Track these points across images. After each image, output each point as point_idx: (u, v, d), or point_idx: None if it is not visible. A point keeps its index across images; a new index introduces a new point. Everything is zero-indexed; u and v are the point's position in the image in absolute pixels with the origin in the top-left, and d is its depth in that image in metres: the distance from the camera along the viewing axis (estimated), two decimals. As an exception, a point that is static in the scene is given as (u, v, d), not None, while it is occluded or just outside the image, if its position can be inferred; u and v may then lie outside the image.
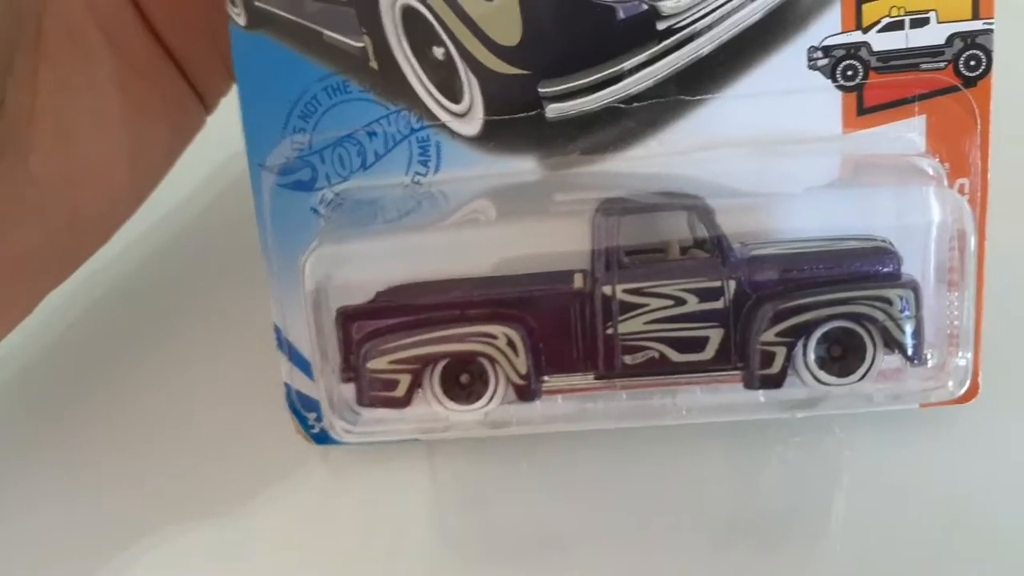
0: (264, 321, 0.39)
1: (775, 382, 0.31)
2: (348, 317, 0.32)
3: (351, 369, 0.32)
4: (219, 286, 0.42)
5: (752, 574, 0.39)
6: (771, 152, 0.37)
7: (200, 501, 0.40)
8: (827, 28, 0.36)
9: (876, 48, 0.36)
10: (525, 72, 0.38)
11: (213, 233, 0.44)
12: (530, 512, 0.39)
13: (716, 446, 0.37)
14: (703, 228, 0.32)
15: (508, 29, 0.37)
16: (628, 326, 0.31)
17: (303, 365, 0.39)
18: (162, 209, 0.42)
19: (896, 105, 0.37)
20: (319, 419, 0.40)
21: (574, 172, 0.38)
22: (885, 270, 0.31)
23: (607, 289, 0.31)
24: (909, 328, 0.30)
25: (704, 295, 0.31)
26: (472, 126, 0.38)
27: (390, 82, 0.38)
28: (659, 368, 0.32)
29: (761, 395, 0.31)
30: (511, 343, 0.32)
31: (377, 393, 0.32)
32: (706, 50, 0.37)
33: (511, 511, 0.39)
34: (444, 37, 0.38)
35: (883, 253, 0.31)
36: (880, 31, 0.36)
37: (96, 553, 0.40)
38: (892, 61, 0.36)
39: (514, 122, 0.38)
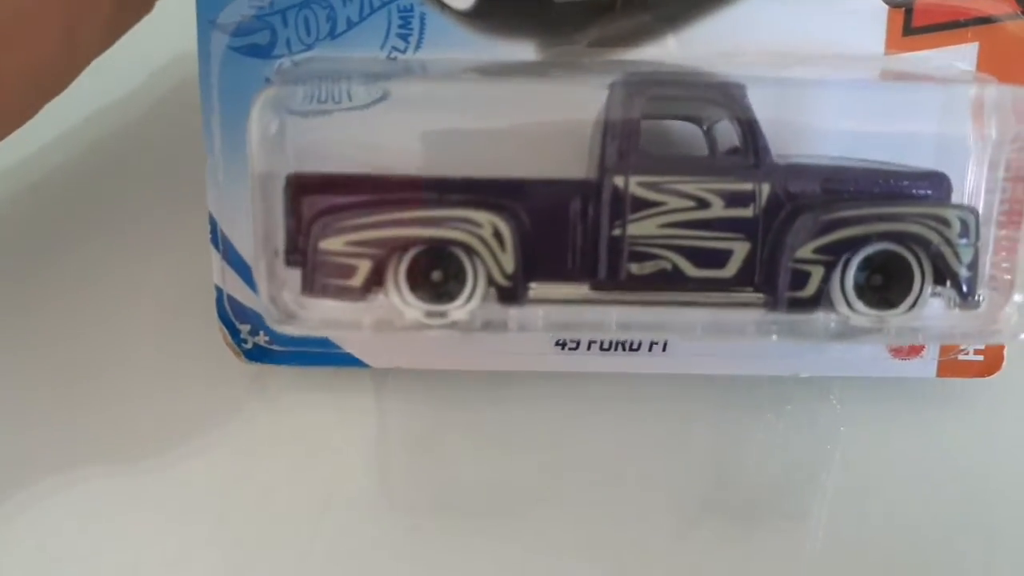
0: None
1: (808, 306, 0.26)
2: (301, 185, 0.26)
3: (299, 250, 0.26)
4: (149, 167, 0.35)
5: (724, 554, 0.34)
6: (800, 67, 0.33)
7: (112, 425, 0.33)
8: (881, -73, 0.32)
9: (934, -41, 0.32)
10: (533, -59, 0.32)
11: (145, 105, 0.37)
12: (483, 462, 0.34)
13: (701, 406, 0.32)
14: (736, 118, 0.27)
15: None
16: (640, 228, 0.26)
17: (240, 266, 0.33)
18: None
19: (948, 28, 0.33)
20: (253, 332, 0.34)
21: (578, 63, 0.33)
22: (938, 194, 0.26)
23: (619, 180, 0.26)
24: (967, 255, 0.26)
25: (732, 199, 0.26)
26: (466, -1, 0.33)
27: (373, -65, 0.33)
28: (669, 282, 0.27)
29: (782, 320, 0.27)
30: (498, 234, 0.26)
31: (330, 280, 0.26)
32: (743, -66, 0.32)
33: (463, 459, 0.34)
34: None
35: (937, 177, 0.27)
36: (942, -60, 0.32)
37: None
38: (950, -24, 0.32)
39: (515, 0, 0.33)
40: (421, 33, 0.33)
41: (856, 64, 0.33)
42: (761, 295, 0.27)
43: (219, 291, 0.34)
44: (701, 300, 0.26)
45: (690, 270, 0.27)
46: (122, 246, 0.36)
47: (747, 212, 0.26)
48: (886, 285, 0.26)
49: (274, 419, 0.35)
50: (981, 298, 0.27)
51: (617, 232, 0.26)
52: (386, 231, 0.26)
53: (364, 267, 0.26)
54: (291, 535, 0.34)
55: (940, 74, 0.31)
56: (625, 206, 0.26)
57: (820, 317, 0.26)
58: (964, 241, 0.26)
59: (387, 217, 0.26)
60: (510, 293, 0.26)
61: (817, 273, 0.26)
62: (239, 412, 0.35)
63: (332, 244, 0.26)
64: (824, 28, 0.33)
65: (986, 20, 0.32)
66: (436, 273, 0.27)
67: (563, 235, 0.27)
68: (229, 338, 0.34)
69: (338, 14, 0.33)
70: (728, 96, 0.27)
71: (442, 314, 0.26)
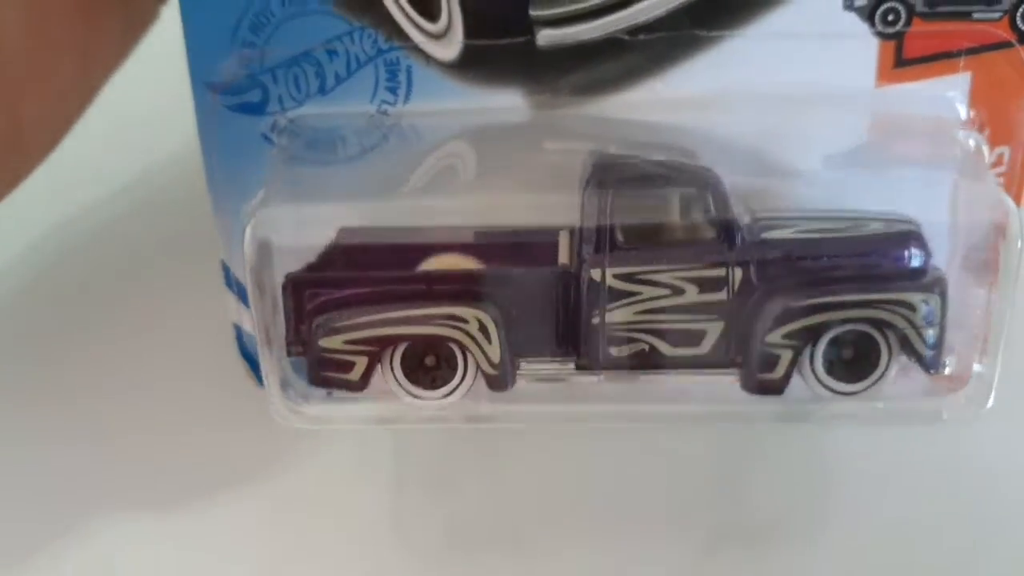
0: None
1: (776, 388, 0.28)
2: (298, 285, 0.28)
3: (300, 343, 0.28)
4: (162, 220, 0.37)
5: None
6: (790, 105, 0.33)
7: (132, 461, 0.36)
8: (874, -41, 0.31)
9: (925, -11, 0.31)
10: (514, -11, 0.32)
11: (155, 161, 0.38)
12: (500, 501, 0.35)
13: (702, 439, 0.33)
14: (711, 205, 0.28)
15: (497, -63, 0.31)
16: (617, 316, 0.28)
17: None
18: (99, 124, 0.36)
19: (939, 59, 0.32)
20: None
21: (566, 113, 0.33)
22: (912, 263, 0.27)
23: (595, 273, 0.27)
24: (931, 336, 0.27)
25: (706, 285, 0.27)
26: (449, 50, 0.33)
27: (354, -9, 0.33)
28: (648, 361, 0.28)
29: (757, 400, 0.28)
30: (483, 328, 0.28)
31: (331, 374, 0.29)
32: (726, -25, 0.32)
33: (479, 499, 0.35)
34: (421, -58, 0.32)
35: (909, 241, 0.28)
36: (932, -31, 0.31)
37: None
38: (940, 7, 0.31)
39: (499, 48, 0.33)
40: (409, 86, 0.34)
41: (846, 100, 0.32)
42: (735, 370, 0.28)
43: (237, 329, 0.36)
44: (678, 374, 0.28)
45: (667, 350, 0.28)
46: (147, 294, 0.38)
47: (720, 296, 0.27)
48: (854, 358, 0.28)
49: (292, 453, 0.36)
50: (946, 365, 0.28)
51: (595, 321, 0.28)
52: (379, 330, 0.28)
53: (361, 363, 0.28)
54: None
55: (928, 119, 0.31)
56: (602, 297, 0.28)
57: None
58: (929, 322, 0.27)
59: (378, 317, 0.28)
60: (498, 381, 0.28)
61: (786, 356, 0.28)
62: (258, 445, 0.37)
63: (331, 343, 0.28)
64: (813, 62, 0.32)
65: (979, 50, 0.32)
66: (429, 358, 0.29)
67: (546, 321, 0.28)
68: (249, 370, 0.37)
69: (326, 70, 0.34)
70: (703, 190, 0.28)
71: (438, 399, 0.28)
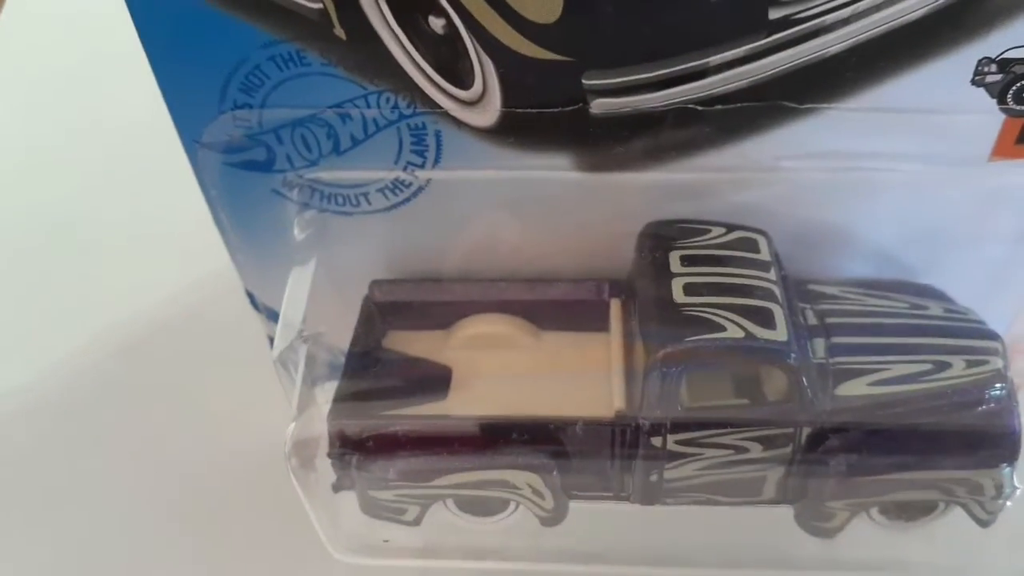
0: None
1: (829, 535, 0.28)
2: (345, 437, 0.27)
3: (351, 482, 0.28)
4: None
5: None
6: (885, 183, 0.28)
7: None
8: (1014, 38, 0.25)
9: (1076, 67, 0.25)
10: (564, 59, 0.26)
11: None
12: None
13: None
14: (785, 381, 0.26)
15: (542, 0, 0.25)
16: (676, 473, 0.27)
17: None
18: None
19: (1073, 137, 0.27)
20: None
21: (621, 181, 0.29)
22: (984, 434, 0.26)
23: (656, 440, 0.26)
24: (993, 505, 0.26)
25: (771, 442, 0.26)
26: (485, 117, 0.28)
27: (366, 57, 0.27)
28: (705, 502, 0.28)
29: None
30: (535, 490, 0.27)
31: (385, 513, 0.29)
32: (834, 50, 0.25)
33: None
34: (444, 3, 0.25)
35: (986, 397, 0.26)
36: (1090, 47, 0.25)
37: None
38: (1091, 87, 0.25)
39: (544, 116, 0.27)
40: (438, 149, 0.29)
41: (951, 177, 0.28)
42: (791, 505, 0.28)
43: (270, 339, 0.35)
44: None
45: (724, 499, 0.28)
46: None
47: (785, 451, 0.26)
48: (909, 503, 0.28)
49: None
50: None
51: (654, 479, 0.27)
52: (430, 490, 0.28)
53: (414, 509, 0.28)
54: None
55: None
56: (662, 461, 0.27)
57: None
58: (992, 497, 0.26)
59: (430, 481, 0.27)
60: (550, 520, 0.29)
61: (842, 516, 0.27)
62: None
63: (382, 495, 0.28)
64: (923, 137, 0.27)
65: None
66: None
67: (601, 472, 0.28)
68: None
69: (339, 132, 0.29)
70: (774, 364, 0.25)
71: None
